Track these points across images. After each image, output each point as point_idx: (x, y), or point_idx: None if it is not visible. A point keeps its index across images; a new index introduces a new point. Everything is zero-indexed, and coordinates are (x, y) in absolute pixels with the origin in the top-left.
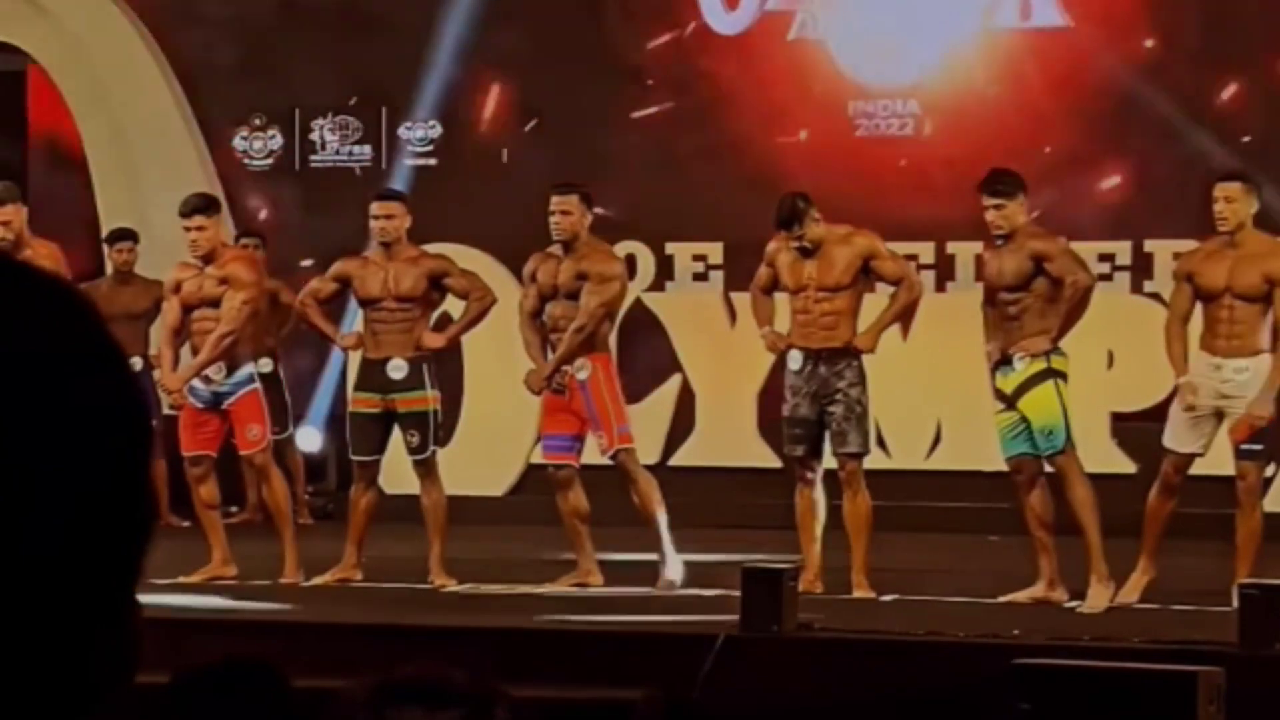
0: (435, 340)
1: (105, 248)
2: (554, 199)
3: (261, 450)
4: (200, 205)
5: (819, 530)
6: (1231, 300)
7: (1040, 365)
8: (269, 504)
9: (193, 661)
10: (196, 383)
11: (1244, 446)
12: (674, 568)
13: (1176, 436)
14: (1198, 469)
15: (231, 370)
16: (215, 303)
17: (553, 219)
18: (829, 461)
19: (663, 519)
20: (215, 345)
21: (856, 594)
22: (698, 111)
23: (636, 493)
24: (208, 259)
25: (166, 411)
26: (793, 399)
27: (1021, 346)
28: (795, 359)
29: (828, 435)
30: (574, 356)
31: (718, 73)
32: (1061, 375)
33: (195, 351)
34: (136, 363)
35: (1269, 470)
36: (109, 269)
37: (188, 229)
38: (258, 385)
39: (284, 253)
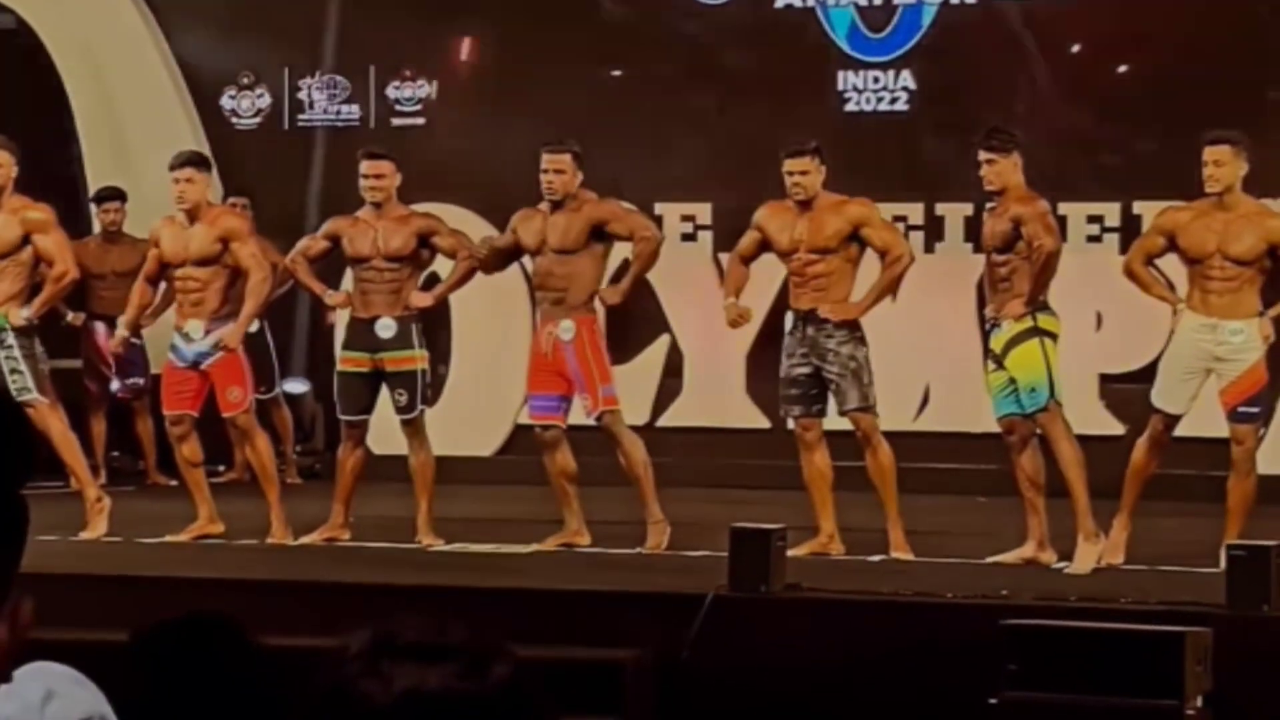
0: (423, 300)
1: (93, 207)
2: (545, 157)
3: (244, 412)
4: (191, 159)
5: (827, 493)
6: (1223, 263)
7: (1026, 324)
8: (253, 465)
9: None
10: (178, 341)
11: (1241, 409)
12: (660, 528)
13: (1166, 395)
14: (1187, 431)
15: (209, 331)
16: (202, 260)
17: (545, 177)
18: (830, 424)
19: (649, 480)
20: (258, 294)
21: (894, 554)
22: (685, 75)
23: (622, 454)
24: (193, 214)
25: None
26: (787, 361)
27: (1004, 312)
28: (789, 321)
29: (831, 398)
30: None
31: (699, 35)
32: (1049, 334)
33: (178, 310)
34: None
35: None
36: (96, 228)
37: (176, 180)
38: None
39: (272, 212)
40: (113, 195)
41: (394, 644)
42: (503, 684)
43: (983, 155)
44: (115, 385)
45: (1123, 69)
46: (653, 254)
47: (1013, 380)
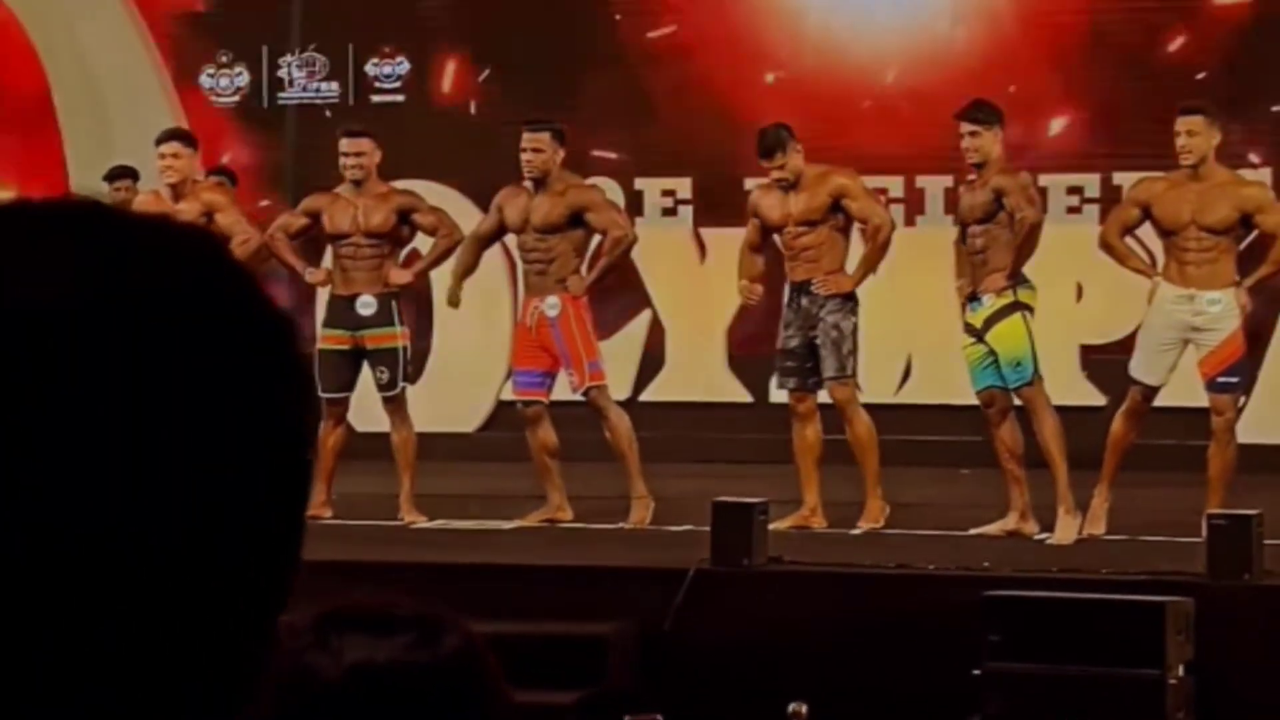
0: (402, 276)
1: (105, 185)
2: (525, 135)
3: None
4: (177, 134)
5: (813, 466)
6: (1199, 233)
7: (1007, 299)
8: None
9: None
10: None
11: (1220, 379)
12: (644, 504)
13: (1145, 367)
14: (1166, 401)
15: None
16: None
17: (524, 155)
18: (825, 398)
19: (634, 455)
20: (244, 254)
21: (864, 524)
22: (667, 49)
23: (609, 429)
24: (178, 190)
25: None
26: (784, 333)
27: (984, 286)
28: (786, 293)
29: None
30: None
31: (685, 8)
32: (1028, 308)
33: None
34: None
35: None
36: None
37: (162, 155)
38: None
39: (252, 190)
40: (124, 173)
41: (342, 618)
42: (454, 655)
43: (965, 128)
44: None
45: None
46: (623, 253)
47: (992, 353)
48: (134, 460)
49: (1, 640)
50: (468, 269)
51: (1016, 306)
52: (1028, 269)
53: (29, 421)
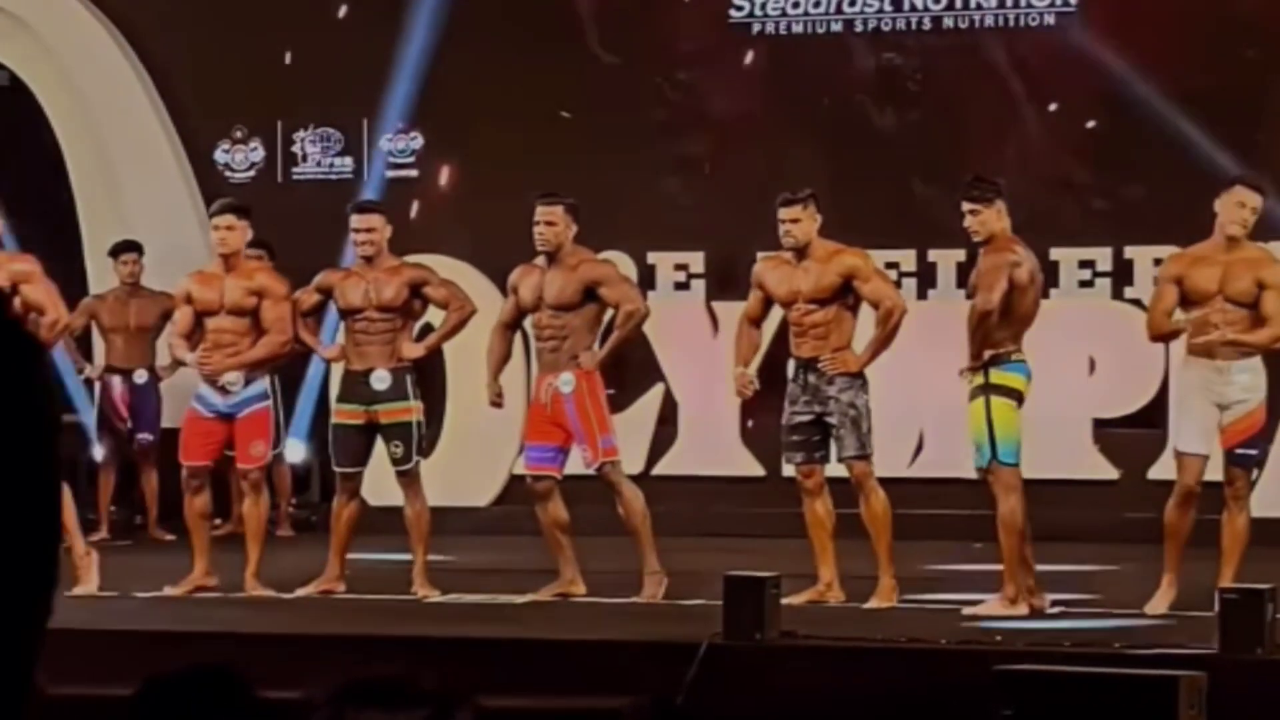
0: (414, 350)
1: (110, 260)
2: (539, 209)
3: (260, 468)
4: (232, 206)
5: (827, 541)
6: (1224, 304)
7: (978, 380)
8: (249, 518)
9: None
10: (207, 392)
11: (1239, 451)
12: (657, 580)
13: (1190, 438)
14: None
15: (249, 382)
16: (239, 311)
17: (537, 229)
18: (830, 471)
19: (647, 531)
20: (274, 347)
21: (874, 601)
22: (676, 123)
23: (622, 505)
24: (231, 261)
25: (165, 424)
26: (790, 408)
27: (967, 366)
28: (791, 369)
29: (832, 444)
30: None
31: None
32: (1002, 391)
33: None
34: (142, 375)
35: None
36: (115, 282)
37: (216, 228)
38: (269, 402)
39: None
40: (129, 247)
41: (358, 691)
42: None
43: (966, 206)
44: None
45: (1112, 113)
46: (635, 327)
47: None
48: None
49: None
50: (502, 359)
51: (984, 390)
52: (1025, 350)
53: None
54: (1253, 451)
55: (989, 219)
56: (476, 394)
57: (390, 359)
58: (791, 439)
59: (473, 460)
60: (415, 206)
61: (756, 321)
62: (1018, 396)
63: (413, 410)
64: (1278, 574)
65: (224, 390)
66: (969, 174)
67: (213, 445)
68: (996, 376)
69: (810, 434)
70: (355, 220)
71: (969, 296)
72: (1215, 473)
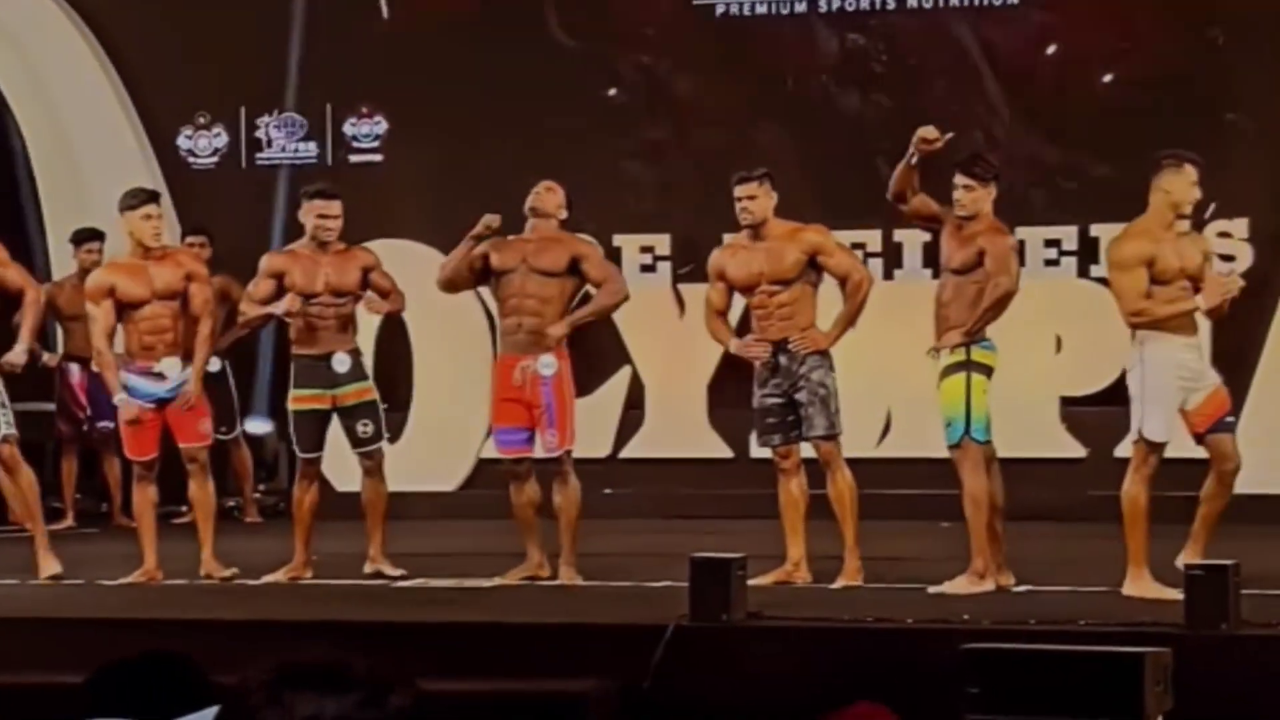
0: (381, 306)
1: (72, 248)
2: (541, 185)
3: (206, 447)
4: (156, 195)
5: (798, 521)
6: (1185, 281)
7: (959, 357)
8: (196, 500)
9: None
10: (139, 382)
11: (1228, 418)
12: (573, 572)
13: (1167, 426)
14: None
15: (183, 367)
16: (170, 295)
17: (534, 196)
18: (807, 451)
19: (577, 524)
20: (208, 343)
21: (843, 581)
22: (647, 105)
23: (566, 494)
24: (161, 250)
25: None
26: (759, 391)
27: (941, 340)
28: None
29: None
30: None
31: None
32: (981, 368)
33: (130, 351)
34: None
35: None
36: (74, 269)
37: (148, 217)
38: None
39: (231, 252)
40: (92, 235)
41: (295, 675)
42: (400, 714)
43: (962, 180)
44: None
45: (1079, 93)
46: (613, 305)
47: None
48: None
49: None
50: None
51: (965, 366)
52: (993, 328)
53: None
54: (1232, 419)
55: (981, 198)
56: (443, 378)
57: (346, 342)
58: (767, 421)
59: (440, 444)
60: (377, 190)
61: (723, 313)
62: (990, 373)
63: (373, 389)
64: (1240, 550)
65: (162, 376)
66: (949, 153)
67: (156, 435)
68: (978, 354)
69: (785, 414)
70: (321, 206)
71: (945, 267)
72: (1182, 451)
